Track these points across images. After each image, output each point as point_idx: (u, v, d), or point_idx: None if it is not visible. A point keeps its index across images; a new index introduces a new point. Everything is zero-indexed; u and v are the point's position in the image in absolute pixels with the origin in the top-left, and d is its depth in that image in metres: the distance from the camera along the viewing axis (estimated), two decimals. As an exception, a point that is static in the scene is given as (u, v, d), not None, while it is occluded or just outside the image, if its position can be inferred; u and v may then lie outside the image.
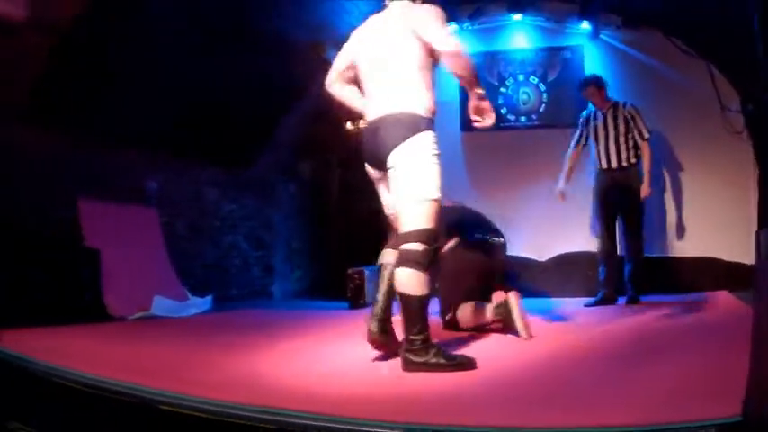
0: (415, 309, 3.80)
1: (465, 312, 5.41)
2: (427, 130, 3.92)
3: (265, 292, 9.37)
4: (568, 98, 9.00)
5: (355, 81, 4.34)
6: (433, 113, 4.03)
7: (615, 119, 7.48)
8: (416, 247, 3.80)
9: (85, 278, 6.04)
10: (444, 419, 2.63)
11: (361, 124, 4.27)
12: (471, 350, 4.49)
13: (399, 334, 4.00)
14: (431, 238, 3.85)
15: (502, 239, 6.00)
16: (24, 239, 5.65)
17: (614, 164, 7.44)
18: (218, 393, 2.93)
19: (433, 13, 4.04)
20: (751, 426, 2.18)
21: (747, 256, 7.84)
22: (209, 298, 7.42)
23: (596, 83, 7.63)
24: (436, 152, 3.93)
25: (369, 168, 4.19)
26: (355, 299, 7.80)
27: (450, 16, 9.11)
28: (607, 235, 7.53)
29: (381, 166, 4.01)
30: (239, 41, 7.58)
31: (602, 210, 7.57)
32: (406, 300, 3.81)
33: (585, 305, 7.30)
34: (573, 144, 7.96)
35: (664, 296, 7.68)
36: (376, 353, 4.18)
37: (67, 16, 5.83)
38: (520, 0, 9.13)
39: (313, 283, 10.11)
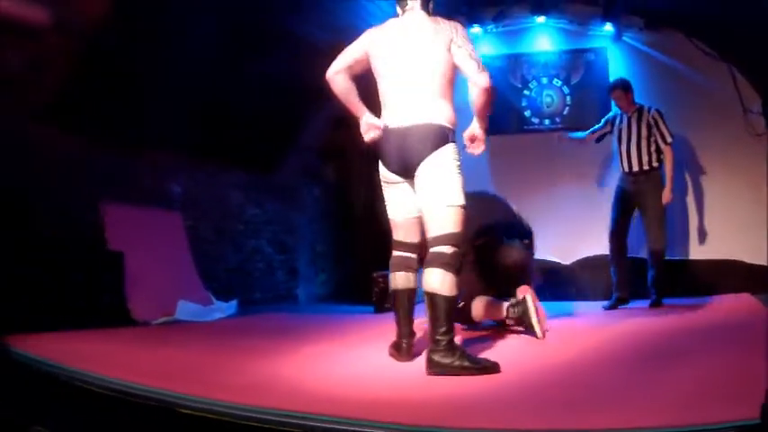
0: (443, 309, 3.88)
1: (479, 305, 5.55)
2: (454, 141, 4.14)
3: (290, 296, 9.37)
4: (592, 100, 8.97)
5: (355, 78, 4.42)
6: (456, 126, 4.21)
7: (639, 122, 7.47)
8: (447, 249, 3.94)
9: (109, 282, 6.05)
10: (469, 424, 2.63)
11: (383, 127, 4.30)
12: (492, 353, 4.49)
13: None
14: (460, 241, 4.02)
15: (527, 242, 6.06)
16: (47, 243, 5.67)
17: (636, 167, 7.43)
18: (241, 397, 2.94)
19: (466, 33, 4.26)
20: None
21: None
22: (233, 302, 7.42)
23: (623, 86, 7.63)
24: (459, 162, 4.13)
25: (386, 172, 4.31)
26: (380, 303, 7.76)
27: (474, 19, 9.18)
28: (618, 234, 7.53)
29: (406, 172, 4.18)
30: (264, 44, 7.60)
31: (617, 209, 7.58)
32: (436, 300, 3.89)
33: (603, 308, 7.34)
34: (590, 130, 8.07)
35: (685, 299, 7.65)
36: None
37: (90, 18, 5.86)
38: (543, 2, 9.10)
39: (338, 286, 10.10)
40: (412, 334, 4.31)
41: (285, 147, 9.24)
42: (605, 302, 7.45)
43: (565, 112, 9.33)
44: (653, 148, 7.38)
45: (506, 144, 9.26)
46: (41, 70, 5.75)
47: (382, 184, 4.39)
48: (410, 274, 4.37)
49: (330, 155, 9.59)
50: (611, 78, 8.86)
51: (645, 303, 7.27)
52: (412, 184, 4.22)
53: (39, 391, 3.36)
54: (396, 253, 4.45)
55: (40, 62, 5.70)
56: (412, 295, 4.38)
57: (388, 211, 4.44)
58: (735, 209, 8.35)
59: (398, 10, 4.43)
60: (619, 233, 7.51)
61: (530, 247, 6.12)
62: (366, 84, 4.49)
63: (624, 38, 9.05)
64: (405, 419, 2.65)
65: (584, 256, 8.94)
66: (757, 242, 7.87)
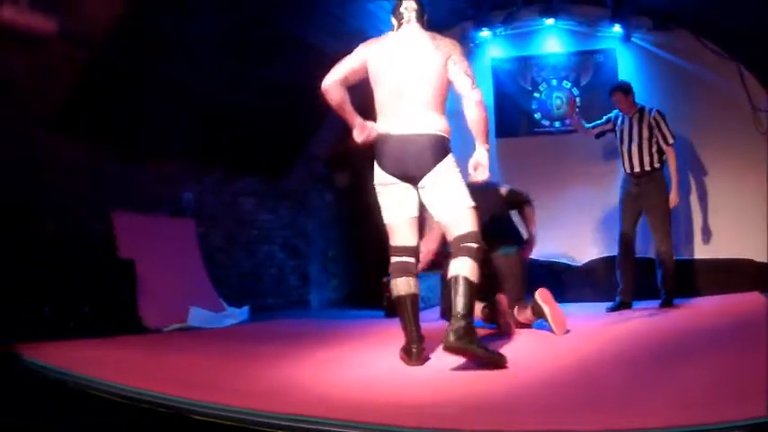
0: (469, 292, 4.12)
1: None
2: (451, 150, 4.42)
3: (302, 302, 9.39)
4: (602, 102, 8.93)
5: (350, 88, 4.52)
6: (450, 134, 4.44)
7: (640, 123, 7.48)
8: (474, 245, 4.22)
9: (121, 290, 6.07)
10: (479, 426, 2.63)
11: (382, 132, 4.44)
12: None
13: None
14: (480, 238, 4.27)
15: (521, 248, 6.44)
16: (58, 251, 5.70)
17: (637, 168, 7.43)
18: (254, 403, 2.95)
19: (462, 51, 4.50)
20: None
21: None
22: (245, 308, 7.44)
23: (623, 89, 7.66)
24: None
25: (384, 175, 4.43)
26: (391, 308, 7.76)
27: (483, 22, 9.19)
28: (626, 240, 7.51)
29: (405, 177, 4.37)
30: (274, 53, 7.62)
31: (623, 212, 7.57)
32: (464, 283, 4.13)
33: (606, 310, 7.33)
34: (593, 124, 8.09)
35: (694, 298, 7.66)
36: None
37: (99, 28, 5.89)
38: (552, 5, 9.11)
39: (350, 292, 10.11)
40: (421, 338, 4.31)
41: (297, 153, 9.26)
42: (609, 304, 7.42)
43: (575, 114, 9.31)
44: (654, 149, 7.38)
45: (517, 146, 9.28)
46: (47, 78, 5.78)
47: (378, 188, 4.49)
48: (411, 278, 4.42)
49: (341, 160, 9.59)
50: (621, 79, 8.88)
51: (654, 303, 7.26)
52: (409, 186, 4.40)
53: (48, 399, 3.38)
54: (395, 259, 4.49)
55: (45, 70, 5.73)
56: (415, 300, 4.42)
57: (386, 216, 4.52)
58: (744, 207, 8.33)
59: (394, 22, 4.61)
60: (627, 237, 7.50)
61: (524, 254, 6.45)
62: (361, 92, 4.61)
63: (633, 39, 9.04)
64: (419, 423, 2.65)
65: (595, 257, 8.92)
66: (767, 241, 7.87)
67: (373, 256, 6.78)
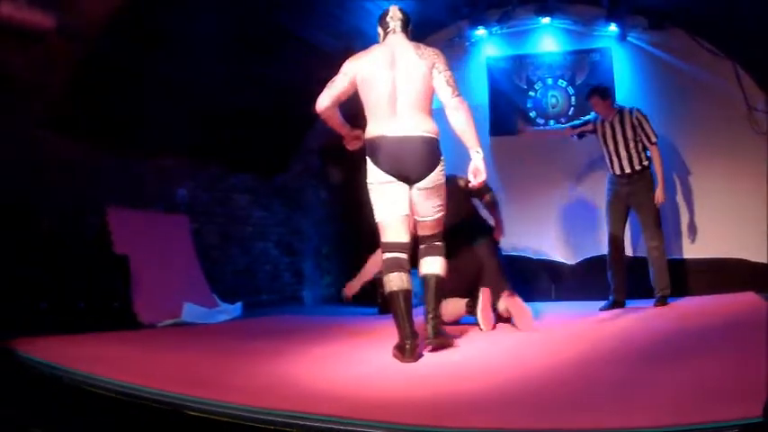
0: (441, 289, 4.77)
1: (447, 308, 5.84)
2: (441, 152, 4.73)
3: (296, 298, 9.39)
4: (597, 101, 8.98)
5: (341, 102, 4.80)
6: (439, 135, 4.73)
7: (623, 125, 7.45)
8: (440, 242, 4.82)
9: (115, 285, 6.07)
10: (472, 424, 2.63)
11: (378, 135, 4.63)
12: (493, 353, 4.64)
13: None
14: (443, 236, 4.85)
15: (493, 242, 6.64)
16: (53, 246, 5.69)
17: (627, 169, 7.40)
18: (252, 399, 2.95)
19: (446, 60, 4.78)
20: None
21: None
22: (239, 305, 7.44)
23: (601, 93, 7.61)
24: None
25: (379, 174, 4.60)
26: (384, 305, 7.77)
27: (479, 21, 9.20)
28: (615, 240, 7.51)
29: (400, 176, 4.58)
30: (268, 48, 7.62)
31: (612, 214, 7.55)
32: (438, 281, 4.73)
33: (600, 309, 7.30)
34: (569, 125, 8.11)
35: (688, 298, 7.69)
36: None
37: (95, 24, 5.88)
38: (548, 4, 9.12)
39: (343, 288, 10.10)
40: (415, 334, 4.32)
41: (291, 150, 9.27)
42: (602, 303, 7.43)
43: (570, 113, 9.31)
44: (640, 147, 7.37)
45: (511, 144, 9.28)
46: (45, 74, 5.77)
47: (373, 186, 4.66)
48: (404, 274, 4.49)
49: (335, 158, 9.59)
50: (617, 78, 8.93)
51: (647, 302, 7.27)
52: (403, 185, 4.61)
53: (42, 394, 3.38)
54: (387, 255, 4.58)
55: (43, 66, 5.72)
56: (408, 296, 4.47)
57: (378, 214, 4.68)
58: (739, 207, 8.34)
59: (380, 31, 4.89)
60: (616, 237, 7.50)
61: (496, 248, 6.64)
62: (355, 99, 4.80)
63: (629, 38, 9.06)
64: (409, 420, 2.65)
65: (589, 255, 8.93)
66: (761, 240, 7.88)
67: (367, 253, 6.78)
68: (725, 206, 8.44)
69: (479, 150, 4.60)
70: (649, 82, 8.88)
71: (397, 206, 4.60)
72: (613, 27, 8.99)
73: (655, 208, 7.36)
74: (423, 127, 4.57)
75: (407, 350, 4.25)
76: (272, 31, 7.52)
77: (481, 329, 5.72)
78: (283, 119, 8.49)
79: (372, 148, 4.60)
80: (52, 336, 4.61)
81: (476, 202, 6.74)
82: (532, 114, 9.46)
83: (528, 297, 7.18)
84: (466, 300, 5.96)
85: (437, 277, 4.72)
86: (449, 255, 5.28)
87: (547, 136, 8.08)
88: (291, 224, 9.49)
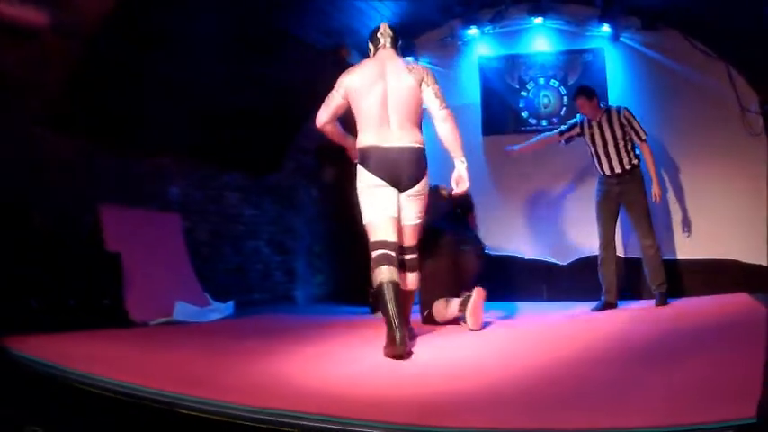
0: (412, 298, 5.29)
1: (438, 308, 6.30)
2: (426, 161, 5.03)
3: (288, 297, 9.38)
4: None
5: (338, 116, 5.16)
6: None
7: (611, 125, 7.44)
8: (415, 256, 5.10)
9: (106, 283, 6.05)
10: (465, 423, 2.63)
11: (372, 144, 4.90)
12: (487, 352, 4.63)
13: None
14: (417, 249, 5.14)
15: (479, 247, 6.94)
16: (45, 243, 5.67)
17: (618, 169, 7.39)
18: (245, 398, 2.94)
19: (434, 75, 5.06)
20: (766, 426, 2.17)
21: (766, 259, 7.89)
22: (230, 303, 7.43)
23: (586, 94, 7.60)
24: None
25: (373, 178, 4.85)
26: (376, 304, 7.78)
27: (471, 20, 9.22)
28: (606, 240, 7.50)
29: (392, 182, 4.83)
30: (260, 47, 7.60)
31: (602, 215, 7.53)
32: (412, 295, 5.24)
33: (591, 310, 7.31)
34: (557, 131, 8.04)
35: (681, 299, 7.69)
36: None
37: (90, 20, 5.86)
38: (541, 4, 9.13)
39: (335, 287, 10.10)
40: (403, 325, 4.40)
41: (284, 149, 9.26)
42: (594, 304, 7.43)
43: (562, 113, 9.33)
44: (629, 146, 7.36)
45: (504, 145, 9.26)
46: (40, 72, 5.75)
47: (364, 190, 4.90)
48: (393, 268, 4.65)
49: (327, 156, 9.58)
50: (609, 78, 8.93)
51: (638, 303, 7.28)
52: (395, 190, 4.87)
53: (35, 392, 3.37)
54: (377, 252, 4.72)
55: (38, 63, 5.70)
56: (397, 287, 4.57)
57: (369, 215, 4.88)
58: (732, 208, 8.36)
59: (371, 47, 5.25)
60: (607, 238, 7.48)
61: (481, 253, 6.92)
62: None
63: (621, 38, 9.07)
64: (400, 419, 2.65)
65: (581, 256, 8.93)
66: (754, 242, 7.90)
67: (359, 252, 6.78)
68: (718, 207, 8.44)
69: (464, 160, 4.92)
70: (642, 82, 8.89)
71: (387, 208, 4.82)
72: (606, 27, 8.99)
73: (646, 206, 7.36)
74: (412, 137, 4.86)
75: (397, 340, 4.29)
76: (263, 29, 7.50)
77: (471, 329, 5.76)
78: (277, 118, 8.48)
79: (364, 157, 4.87)
80: (44, 333, 4.60)
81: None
82: (524, 114, 9.47)
83: (520, 297, 7.20)
84: (460, 300, 6.01)
85: (411, 292, 5.15)
86: (438, 257, 6.03)
87: (534, 148, 8.04)
88: (283, 223, 9.48)
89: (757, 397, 2.26)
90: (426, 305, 6.47)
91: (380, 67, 4.98)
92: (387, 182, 4.82)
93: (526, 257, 9.26)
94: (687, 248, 8.62)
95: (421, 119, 5.03)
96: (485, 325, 5.96)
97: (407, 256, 5.03)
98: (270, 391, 3.30)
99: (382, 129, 4.85)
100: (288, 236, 9.54)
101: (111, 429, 3.02)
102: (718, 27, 7.93)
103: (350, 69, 5.08)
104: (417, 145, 4.88)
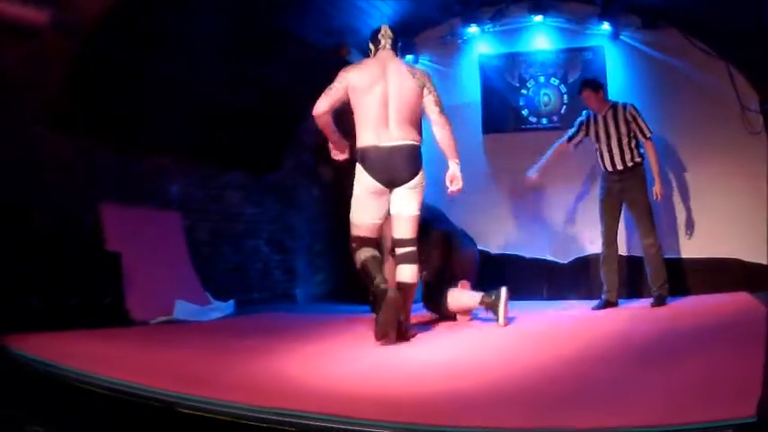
0: (411, 295, 5.35)
1: (454, 297, 6.44)
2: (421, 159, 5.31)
3: (288, 296, 9.37)
4: (589, 99, 8.97)
5: (336, 108, 5.31)
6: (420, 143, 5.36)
7: (616, 120, 7.41)
8: (413, 248, 5.24)
9: (107, 282, 6.05)
10: (465, 422, 2.63)
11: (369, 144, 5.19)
12: (488, 351, 4.65)
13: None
14: (416, 242, 5.30)
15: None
16: (46, 242, 5.67)
17: (620, 165, 7.37)
18: (246, 397, 2.94)
19: (432, 80, 5.37)
20: (766, 425, 2.17)
21: (766, 258, 7.88)
22: (231, 302, 7.43)
23: (592, 86, 7.58)
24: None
25: (373, 183, 5.17)
26: (375, 302, 7.75)
27: (471, 18, 9.21)
28: (608, 238, 7.49)
29: (391, 183, 5.16)
30: (260, 46, 7.60)
31: (605, 213, 7.51)
32: (409, 290, 5.26)
33: (592, 309, 7.29)
34: (565, 138, 7.96)
35: (682, 297, 7.67)
36: (401, 355, 4.48)
37: (90, 19, 5.86)
38: (541, 2, 9.11)
39: (335, 286, 10.09)
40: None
41: (284, 147, 9.25)
42: (595, 302, 7.43)
43: (562, 111, 9.30)
44: (633, 144, 7.33)
45: (504, 143, 9.29)
46: (40, 70, 5.74)
47: (363, 193, 5.24)
48: (374, 250, 5.21)
49: (328, 155, 9.57)
50: (609, 77, 8.91)
51: (640, 302, 7.27)
52: (388, 192, 5.22)
53: (35, 391, 3.37)
54: (359, 241, 5.27)
55: (38, 62, 5.69)
56: (377, 259, 5.17)
57: (360, 216, 5.29)
58: (732, 207, 8.33)
59: (371, 47, 5.48)
60: (609, 236, 7.47)
61: (476, 248, 7.46)
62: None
63: (622, 36, 9.04)
64: (401, 417, 2.66)
65: (581, 255, 8.93)
66: (755, 241, 7.88)
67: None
68: (718, 205, 8.40)
69: (457, 162, 5.32)
70: (642, 81, 8.87)
71: (374, 217, 5.27)
72: (606, 26, 8.95)
73: (648, 205, 7.34)
74: (408, 136, 5.16)
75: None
76: (263, 29, 7.50)
77: (499, 324, 5.81)
78: (278, 118, 8.47)
79: (364, 157, 5.17)
80: (45, 332, 4.60)
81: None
82: (525, 112, 9.44)
83: (520, 295, 7.20)
84: (481, 294, 6.08)
85: (410, 285, 5.25)
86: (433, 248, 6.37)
87: (550, 161, 8.00)
88: (284, 221, 9.47)
89: (757, 396, 2.26)
90: (431, 295, 6.72)
91: (381, 67, 5.21)
92: (383, 181, 5.14)
93: (526, 256, 9.25)
94: (688, 247, 8.61)
95: (420, 119, 5.35)
96: (483, 320, 6.18)
97: (406, 249, 5.23)
98: (270, 389, 3.31)
99: (381, 128, 5.12)
100: (288, 235, 9.53)
101: (112, 429, 3.02)
102: (718, 26, 7.91)
103: (351, 66, 5.35)
104: (413, 142, 5.18)
